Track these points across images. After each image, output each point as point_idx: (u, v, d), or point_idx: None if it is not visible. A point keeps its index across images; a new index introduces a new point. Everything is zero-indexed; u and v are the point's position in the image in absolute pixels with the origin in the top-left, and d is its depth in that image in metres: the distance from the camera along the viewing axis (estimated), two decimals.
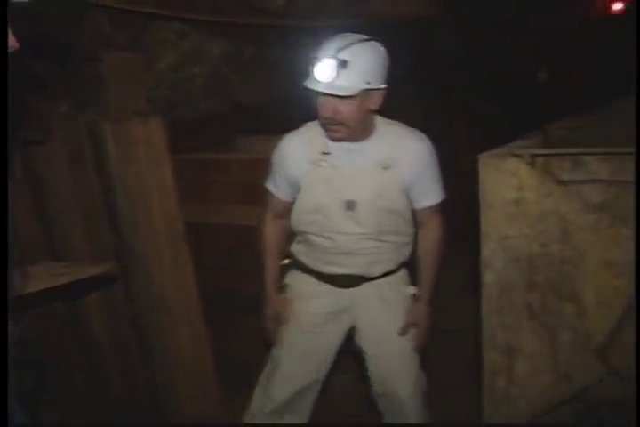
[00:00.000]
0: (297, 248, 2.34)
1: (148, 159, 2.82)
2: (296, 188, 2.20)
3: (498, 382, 2.34)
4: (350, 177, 2.08)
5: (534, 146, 2.48)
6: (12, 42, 1.31)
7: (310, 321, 2.33)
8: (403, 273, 2.40)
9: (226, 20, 3.63)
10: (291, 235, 2.41)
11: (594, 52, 8.29)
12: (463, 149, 6.37)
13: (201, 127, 3.68)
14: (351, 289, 2.31)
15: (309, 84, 1.98)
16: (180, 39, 3.60)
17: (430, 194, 2.24)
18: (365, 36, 2.05)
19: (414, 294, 2.38)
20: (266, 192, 2.32)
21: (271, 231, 2.35)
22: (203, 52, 3.67)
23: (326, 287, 2.31)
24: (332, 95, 1.99)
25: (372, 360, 2.38)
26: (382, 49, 2.10)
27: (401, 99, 5.31)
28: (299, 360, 2.33)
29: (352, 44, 1.98)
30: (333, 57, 1.95)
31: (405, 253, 2.35)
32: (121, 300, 2.91)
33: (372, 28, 4.30)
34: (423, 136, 2.21)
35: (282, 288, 2.40)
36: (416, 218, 2.26)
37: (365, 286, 2.31)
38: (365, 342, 2.39)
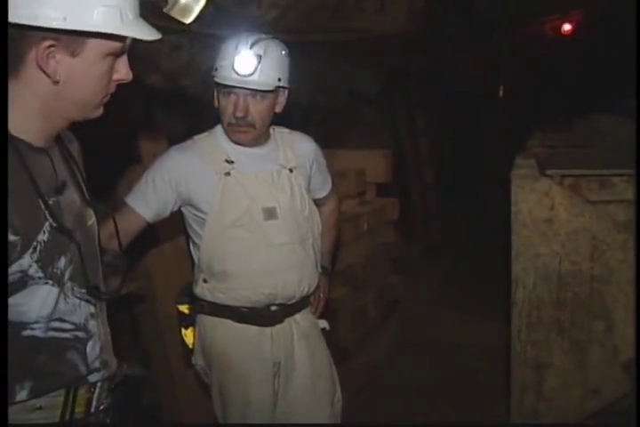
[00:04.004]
0: (208, 287, 2.01)
1: None
2: (180, 204, 1.96)
3: (526, 398, 2.39)
4: (264, 183, 1.97)
5: (533, 166, 2.55)
6: (125, 74, 1.23)
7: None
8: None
9: (218, 32, 3.58)
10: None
11: (550, 71, 8.63)
12: (428, 164, 6.50)
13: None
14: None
15: (222, 80, 1.83)
16: (174, 51, 3.53)
17: (327, 184, 2.24)
18: (269, 35, 1.93)
19: (324, 328, 2.20)
20: (119, 207, 1.95)
21: None
22: (195, 65, 3.62)
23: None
24: (247, 92, 1.85)
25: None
26: (287, 49, 1.98)
27: (369, 115, 5.39)
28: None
29: (263, 39, 1.88)
30: (250, 50, 1.82)
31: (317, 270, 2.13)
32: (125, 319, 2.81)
33: (355, 43, 4.35)
34: (311, 137, 2.17)
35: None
36: (316, 204, 2.16)
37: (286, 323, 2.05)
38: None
